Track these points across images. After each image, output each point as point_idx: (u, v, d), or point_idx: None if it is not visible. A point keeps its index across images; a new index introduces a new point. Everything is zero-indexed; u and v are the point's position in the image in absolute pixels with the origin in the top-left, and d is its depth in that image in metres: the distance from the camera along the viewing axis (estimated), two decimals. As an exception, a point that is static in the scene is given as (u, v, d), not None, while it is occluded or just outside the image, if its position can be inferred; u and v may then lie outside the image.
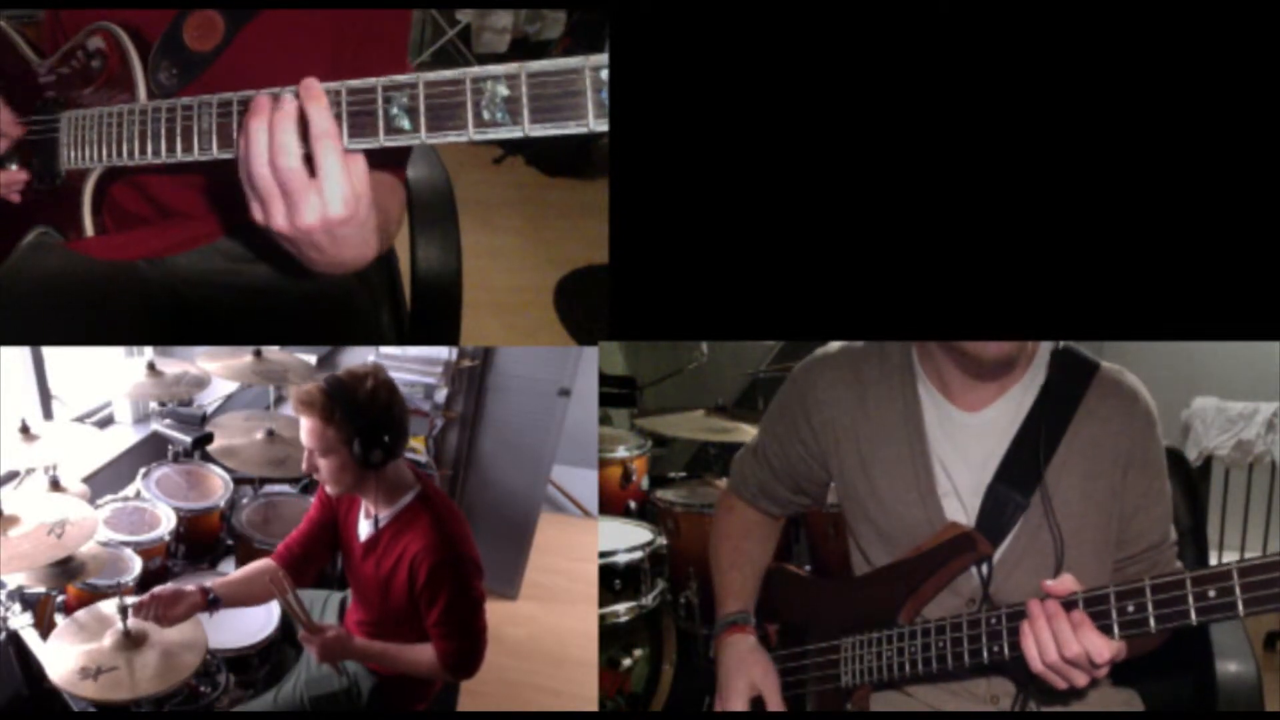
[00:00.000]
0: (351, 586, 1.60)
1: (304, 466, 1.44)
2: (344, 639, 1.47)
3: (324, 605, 1.69)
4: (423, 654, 1.46)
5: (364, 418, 1.38)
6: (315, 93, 0.92)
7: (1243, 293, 1.14)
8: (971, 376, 1.15)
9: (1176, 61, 1.12)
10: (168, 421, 2.00)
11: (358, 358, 2.66)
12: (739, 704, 1.20)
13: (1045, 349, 1.17)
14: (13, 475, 1.70)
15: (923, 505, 1.16)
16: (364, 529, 1.52)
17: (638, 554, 1.99)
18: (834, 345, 1.28)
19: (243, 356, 2.05)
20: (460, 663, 1.45)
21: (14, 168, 1.25)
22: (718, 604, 1.31)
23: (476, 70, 0.88)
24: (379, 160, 1.25)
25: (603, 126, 0.85)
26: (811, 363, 1.28)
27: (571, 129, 0.85)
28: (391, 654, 1.49)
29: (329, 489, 1.46)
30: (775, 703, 1.19)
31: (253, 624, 1.61)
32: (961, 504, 1.15)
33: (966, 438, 1.16)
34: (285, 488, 2.01)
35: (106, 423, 2.19)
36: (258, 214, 0.96)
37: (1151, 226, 1.14)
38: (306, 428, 1.39)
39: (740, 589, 1.30)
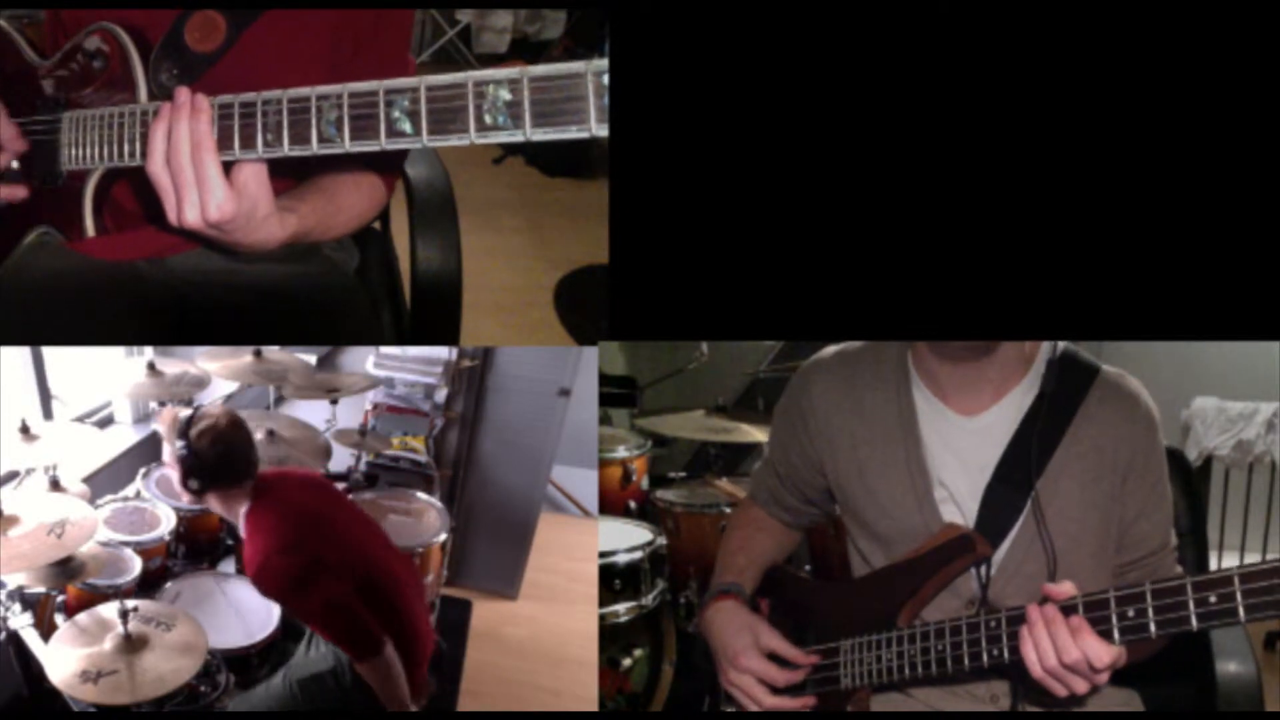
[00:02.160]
0: None
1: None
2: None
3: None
4: (368, 673, 1.47)
5: (188, 451, 1.47)
6: (199, 106, 1.03)
7: (1243, 293, 1.14)
8: (948, 360, 1.15)
9: (1176, 62, 1.12)
10: (168, 421, 2.00)
11: (358, 357, 2.66)
12: (753, 661, 1.19)
13: (1044, 354, 1.17)
14: (13, 475, 1.70)
15: (919, 511, 1.16)
16: None
17: (638, 554, 1.99)
18: (829, 351, 1.28)
19: (243, 356, 2.05)
20: (352, 651, 1.46)
21: (15, 165, 1.25)
22: (713, 580, 1.30)
23: (479, 74, 0.88)
24: (364, 162, 1.26)
25: (604, 131, 0.85)
26: (807, 369, 1.28)
27: (573, 134, 0.86)
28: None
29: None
30: (792, 652, 1.18)
31: (253, 624, 1.61)
32: (959, 509, 1.15)
33: (963, 442, 1.16)
34: (285, 488, 2.01)
35: (106, 423, 2.19)
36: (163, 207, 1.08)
37: (1151, 226, 1.14)
38: None
39: (740, 569, 1.30)
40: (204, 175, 1.04)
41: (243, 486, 1.52)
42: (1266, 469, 3.03)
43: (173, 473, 1.52)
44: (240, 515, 1.50)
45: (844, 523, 1.26)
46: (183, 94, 1.04)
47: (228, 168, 1.05)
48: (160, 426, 1.53)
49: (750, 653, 1.19)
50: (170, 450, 1.51)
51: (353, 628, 1.45)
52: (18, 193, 1.25)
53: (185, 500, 1.55)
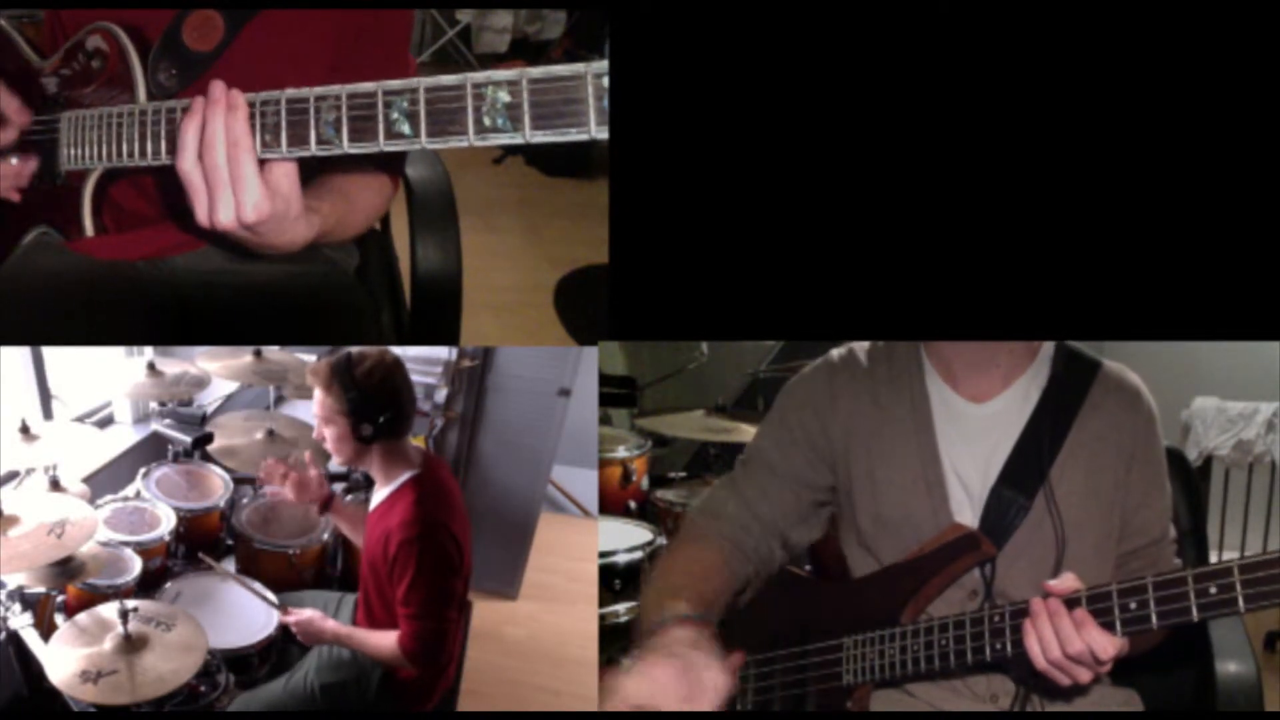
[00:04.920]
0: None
1: (315, 434, 1.54)
2: (316, 620, 1.52)
3: (338, 605, 1.70)
4: (385, 639, 1.47)
5: (358, 393, 1.47)
6: (234, 103, 0.99)
7: (1243, 293, 1.14)
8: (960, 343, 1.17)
9: (1176, 61, 1.12)
10: (168, 421, 2.00)
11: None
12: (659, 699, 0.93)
13: (1048, 346, 1.18)
14: (13, 475, 1.70)
15: (929, 498, 1.16)
16: (373, 501, 1.57)
17: (638, 554, 1.99)
18: (838, 349, 1.28)
19: (243, 356, 2.05)
20: (415, 646, 1.45)
21: (14, 161, 1.25)
22: (658, 608, 1.06)
23: (478, 76, 0.88)
24: (372, 160, 1.25)
25: (604, 134, 0.85)
26: (826, 367, 1.26)
27: (573, 136, 0.86)
28: (358, 638, 1.51)
29: (334, 458, 1.54)
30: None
31: (253, 623, 1.61)
32: (967, 494, 1.16)
33: (973, 429, 1.17)
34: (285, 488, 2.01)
35: (106, 423, 2.19)
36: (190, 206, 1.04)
37: (1151, 226, 1.14)
38: (316, 399, 1.51)
39: (697, 600, 1.08)
40: (240, 175, 1.00)
41: (404, 442, 1.53)
42: (1266, 469, 3.03)
43: (331, 429, 1.49)
44: (399, 480, 1.51)
45: (847, 517, 1.24)
46: (218, 89, 1.00)
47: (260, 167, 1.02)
48: (312, 379, 1.50)
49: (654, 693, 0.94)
50: (327, 403, 1.48)
51: (443, 625, 1.46)
52: (28, 166, 1.24)
53: (339, 462, 1.53)
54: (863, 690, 1.16)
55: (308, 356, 2.24)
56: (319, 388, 1.50)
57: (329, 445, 1.52)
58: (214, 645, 1.45)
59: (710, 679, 0.95)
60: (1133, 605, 0.95)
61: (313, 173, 1.29)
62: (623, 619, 1.97)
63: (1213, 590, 0.90)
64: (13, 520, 1.38)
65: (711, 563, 1.18)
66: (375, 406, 1.48)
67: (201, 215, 1.03)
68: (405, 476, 1.51)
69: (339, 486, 2.08)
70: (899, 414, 1.19)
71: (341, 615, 1.66)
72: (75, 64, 1.22)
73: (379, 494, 1.54)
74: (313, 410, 1.53)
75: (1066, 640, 0.97)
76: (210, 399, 2.29)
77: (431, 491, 1.50)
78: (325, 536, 1.88)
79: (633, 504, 2.40)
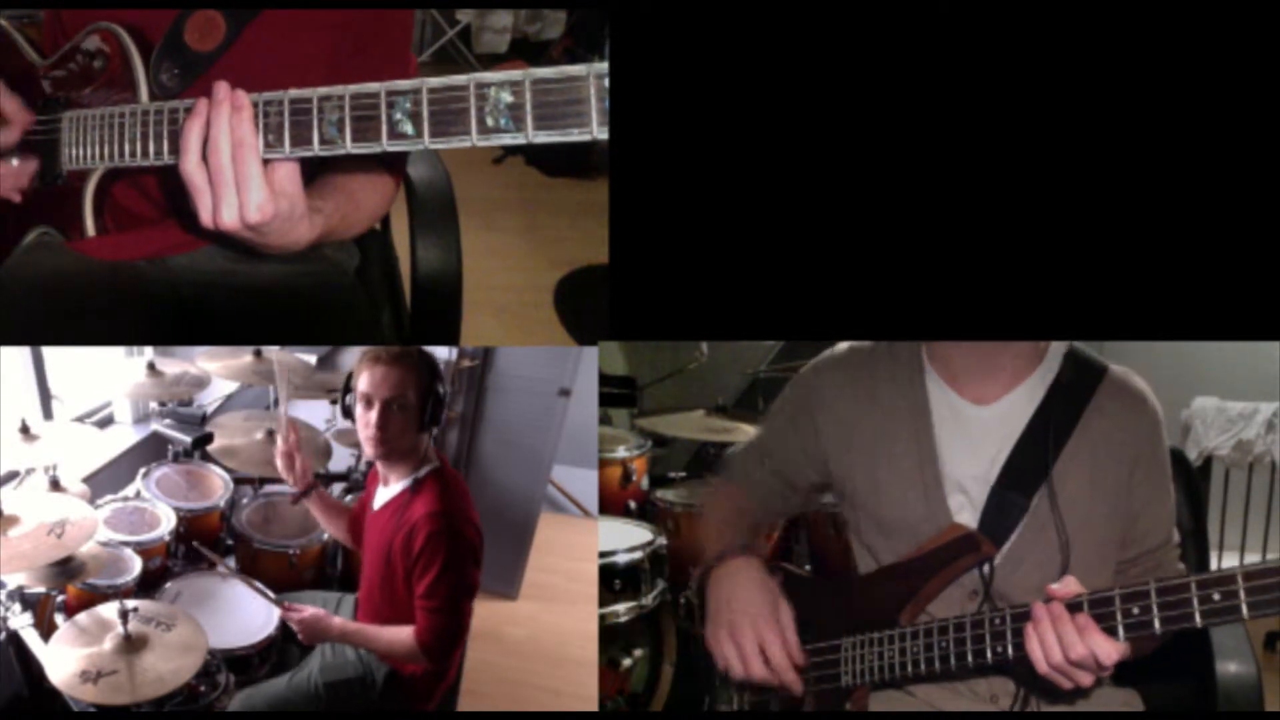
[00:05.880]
0: (363, 565, 1.62)
1: (369, 419, 1.47)
2: (322, 618, 1.50)
3: (338, 605, 1.70)
4: (399, 634, 1.47)
5: (434, 381, 1.49)
6: (240, 103, 0.99)
7: (1243, 293, 1.14)
8: (964, 345, 1.17)
9: (1176, 62, 1.13)
10: (168, 421, 2.00)
11: (358, 358, 2.65)
12: (769, 629, 1.14)
13: (1057, 348, 1.18)
14: (13, 475, 1.70)
15: (925, 501, 1.16)
16: (380, 498, 1.55)
17: (638, 554, 1.99)
18: (842, 346, 1.28)
19: (243, 356, 2.05)
20: (435, 641, 1.45)
21: (15, 162, 1.25)
22: (712, 549, 1.23)
23: (480, 76, 0.89)
24: (375, 160, 1.26)
25: (605, 134, 0.85)
26: (818, 365, 1.28)
27: (575, 136, 0.86)
28: (369, 634, 1.51)
29: (380, 449, 1.49)
30: (795, 647, 1.14)
31: (253, 624, 1.61)
32: (967, 497, 1.16)
33: (976, 431, 1.17)
34: (285, 488, 2.01)
35: (106, 423, 2.19)
36: (193, 207, 1.04)
37: (1152, 227, 1.15)
38: (393, 379, 1.46)
39: (750, 531, 1.27)
40: (245, 175, 1.00)
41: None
42: (1266, 469, 3.03)
43: (400, 418, 1.45)
44: (420, 473, 1.50)
45: (849, 517, 1.25)
46: (222, 89, 1.00)
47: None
48: (385, 363, 1.46)
49: (770, 620, 1.14)
50: (402, 386, 1.45)
51: (462, 621, 1.46)
52: (28, 167, 1.24)
53: (378, 454, 1.48)
54: (861, 691, 1.16)
55: (308, 356, 2.24)
56: (408, 369, 1.46)
57: (390, 432, 1.47)
58: (214, 645, 1.45)
59: (761, 583, 1.17)
60: (1135, 610, 0.94)
61: (315, 172, 1.29)
62: (623, 619, 1.97)
63: (1216, 597, 0.90)
64: (13, 520, 1.38)
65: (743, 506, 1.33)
66: (440, 396, 1.49)
67: (205, 216, 1.03)
68: (426, 470, 1.51)
69: (338, 486, 2.08)
70: (898, 415, 1.19)
71: (342, 615, 1.66)
72: (76, 64, 1.22)
73: (392, 489, 1.52)
74: (381, 393, 1.46)
75: (1069, 645, 0.97)
76: (210, 399, 2.29)
77: (453, 484, 1.51)
78: (325, 536, 1.88)
79: (633, 504, 2.39)
